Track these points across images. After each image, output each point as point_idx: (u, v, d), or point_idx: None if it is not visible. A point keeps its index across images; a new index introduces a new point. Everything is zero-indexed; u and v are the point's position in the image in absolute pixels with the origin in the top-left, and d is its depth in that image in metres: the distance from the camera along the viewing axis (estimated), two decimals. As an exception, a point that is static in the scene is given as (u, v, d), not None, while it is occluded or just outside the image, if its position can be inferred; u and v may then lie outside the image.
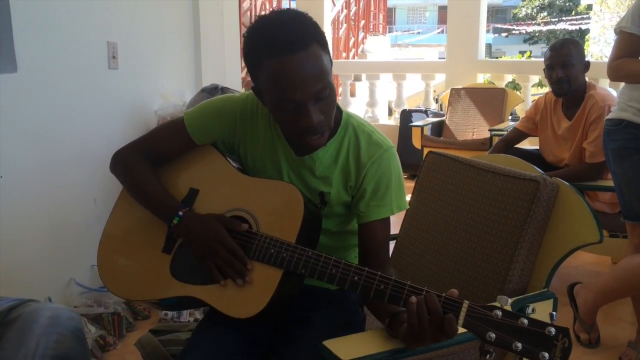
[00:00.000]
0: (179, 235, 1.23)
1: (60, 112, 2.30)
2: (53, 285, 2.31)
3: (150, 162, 1.32)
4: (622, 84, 2.16)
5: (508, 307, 0.93)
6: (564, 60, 2.64)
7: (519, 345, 0.89)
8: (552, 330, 0.88)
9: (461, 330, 0.95)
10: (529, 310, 0.92)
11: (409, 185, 1.73)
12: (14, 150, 2.09)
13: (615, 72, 2.10)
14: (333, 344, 1.07)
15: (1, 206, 2.02)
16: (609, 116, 2.16)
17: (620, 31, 2.06)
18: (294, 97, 1.07)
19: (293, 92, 1.07)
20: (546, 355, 0.88)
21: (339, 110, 1.27)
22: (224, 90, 2.76)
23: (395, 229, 1.71)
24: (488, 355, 0.93)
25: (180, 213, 1.21)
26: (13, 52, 2.04)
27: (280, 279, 1.14)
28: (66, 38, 2.32)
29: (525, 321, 0.90)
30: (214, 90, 2.75)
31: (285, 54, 1.05)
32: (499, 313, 0.92)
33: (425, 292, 0.98)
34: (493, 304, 0.94)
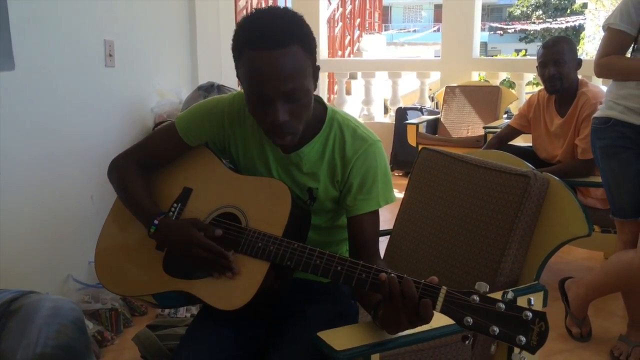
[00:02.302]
0: (159, 242, 1.27)
1: (57, 110, 2.32)
2: (50, 281, 2.32)
3: (145, 168, 1.37)
4: (611, 82, 2.18)
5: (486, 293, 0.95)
6: (557, 58, 2.67)
7: (496, 329, 0.91)
8: (529, 314, 0.90)
9: (440, 316, 0.97)
10: (508, 296, 0.94)
11: (405, 183, 1.76)
12: (11, 148, 2.10)
13: (603, 69, 2.12)
14: (327, 335, 1.09)
15: (-1, 203, 2.04)
16: (596, 114, 2.18)
17: (608, 27, 2.08)
18: (263, 92, 1.10)
19: (263, 87, 1.10)
20: (523, 338, 0.89)
21: (324, 107, 1.29)
22: (220, 88, 2.78)
23: (389, 224, 1.74)
24: (467, 341, 0.95)
25: (156, 222, 1.25)
26: (11, 50, 2.05)
27: (267, 272, 1.17)
28: (63, 36, 2.33)
29: (502, 306, 0.91)
30: (210, 88, 2.76)
31: (262, 49, 1.08)
32: (477, 298, 0.93)
33: (403, 278, 1.00)
34: (471, 289, 0.96)
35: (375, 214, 1.29)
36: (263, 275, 1.16)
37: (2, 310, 1.06)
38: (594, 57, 2.18)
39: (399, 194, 1.44)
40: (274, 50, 1.08)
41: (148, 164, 1.37)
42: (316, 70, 1.18)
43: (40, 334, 1.00)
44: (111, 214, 1.40)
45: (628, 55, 2.08)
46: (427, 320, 0.97)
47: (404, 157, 5.21)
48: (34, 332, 1.00)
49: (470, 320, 0.93)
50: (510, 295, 0.93)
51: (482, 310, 0.93)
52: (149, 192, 1.34)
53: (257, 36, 1.09)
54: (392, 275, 1.00)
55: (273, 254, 1.16)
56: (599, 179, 2.37)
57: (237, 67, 1.17)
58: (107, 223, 1.40)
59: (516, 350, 0.92)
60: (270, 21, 1.12)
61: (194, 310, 2.40)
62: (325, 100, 1.33)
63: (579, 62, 2.74)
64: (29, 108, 2.18)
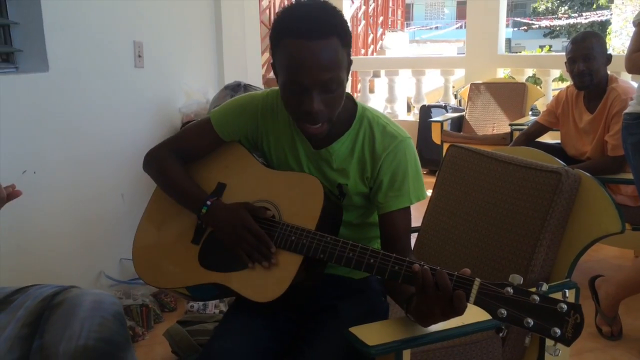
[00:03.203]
0: (208, 224, 1.29)
1: (89, 110, 2.37)
2: (83, 277, 2.38)
3: (180, 159, 1.39)
4: (640, 78, 2.15)
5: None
6: (586, 53, 2.63)
7: (531, 321, 0.90)
8: (564, 306, 0.89)
9: (471, 312, 0.97)
10: (543, 288, 0.93)
11: (429, 180, 1.76)
12: (45, 147, 2.16)
13: (634, 65, 2.09)
14: (359, 331, 1.10)
15: (34, 201, 2.09)
16: (627, 110, 2.15)
17: (639, 24, 2.05)
18: (301, 81, 1.12)
19: (301, 76, 1.11)
20: (558, 331, 0.88)
21: (354, 104, 1.31)
22: (246, 87, 2.81)
23: (417, 222, 1.74)
24: (501, 333, 0.95)
25: (209, 202, 1.28)
26: (45, 52, 2.12)
27: (301, 264, 1.19)
28: (95, 38, 2.38)
29: (537, 298, 0.90)
30: (236, 87, 2.79)
31: (302, 38, 1.10)
32: (510, 290, 0.93)
33: (437, 270, 1.00)
34: (505, 282, 0.95)
35: (407, 210, 1.29)
36: (297, 268, 1.18)
37: (45, 304, 1.09)
38: (623, 52, 2.15)
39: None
40: (315, 41, 1.10)
41: (182, 157, 1.40)
42: (350, 63, 1.20)
43: (83, 327, 1.03)
44: (147, 209, 1.44)
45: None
46: (461, 312, 0.97)
47: (428, 155, 5.18)
48: (76, 324, 1.03)
49: (504, 312, 0.92)
50: (544, 287, 0.92)
51: (516, 302, 0.92)
52: (192, 179, 1.37)
53: (298, 26, 1.11)
54: (426, 267, 1.01)
55: (306, 247, 1.18)
56: (629, 176, 2.34)
57: (274, 55, 1.19)
58: (144, 218, 1.43)
59: (550, 342, 0.91)
60: (311, 12, 1.14)
61: (223, 307, 2.43)
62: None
63: (608, 58, 2.70)
64: (62, 108, 2.24)
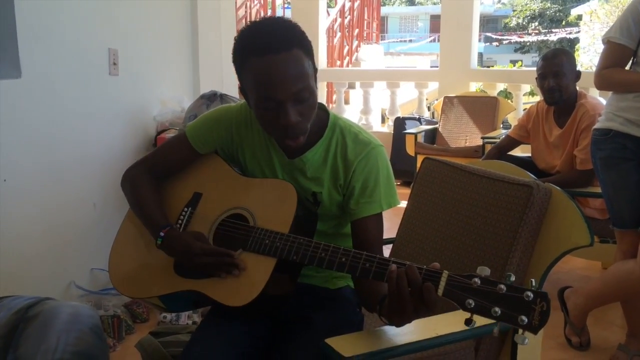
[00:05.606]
0: (167, 253, 1.30)
1: (62, 117, 2.34)
2: (53, 287, 2.33)
3: (157, 177, 1.41)
4: (611, 94, 2.21)
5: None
6: (556, 70, 2.70)
7: (498, 310, 0.91)
8: (530, 294, 0.90)
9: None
10: (510, 278, 0.93)
11: (403, 192, 1.78)
12: (16, 154, 2.12)
13: (603, 81, 2.15)
14: (335, 342, 1.10)
15: (4, 209, 2.05)
16: (596, 126, 2.20)
17: (607, 41, 2.10)
18: (274, 96, 1.13)
19: (273, 91, 1.13)
20: (524, 318, 0.89)
21: (326, 113, 1.33)
22: (222, 97, 2.80)
23: (392, 233, 1.75)
24: (470, 325, 0.95)
25: (162, 234, 1.28)
26: (17, 58, 2.07)
27: (274, 267, 1.19)
28: (69, 44, 2.35)
29: (503, 287, 0.92)
30: (212, 96, 2.78)
31: (268, 53, 1.11)
32: (478, 281, 0.94)
33: (407, 265, 1.01)
34: (473, 273, 0.96)
35: (379, 217, 1.30)
36: (270, 271, 1.19)
37: (19, 316, 1.06)
38: (592, 68, 2.21)
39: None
40: (280, 54, 1.12)
41: (160, 173, 1.42)
42: (315, 71, 1.22)
43: (60, 340, 1.01)
44: (126, 219, 1.44)
45: (627, 68, 2.11)
46: (431, 306, 0.97)
47: (402, 166, 5.23)
48: (53, 338, 1.01)
49: (472, 302, 0.93)
50: (512, 277, 0.94)
51: (483, 293, 0.93)
52: (159, 203, 1.37)
53: (260, 43, 1.13)
54: (394, 264, 1.02)
55: (280, 250, 1.18)
56: (597, 189, 2.40)
57: (241, 78, 1.20)
58: (122, 228, 1.43)
59: (519, 331, 0.92)
60: (271, 28, 1.16)
61: (196, 317, 2.41)
62: (326, 108, 1.36)
63: (577, 74, 2.77)
64: (34, 115, 2.20)
